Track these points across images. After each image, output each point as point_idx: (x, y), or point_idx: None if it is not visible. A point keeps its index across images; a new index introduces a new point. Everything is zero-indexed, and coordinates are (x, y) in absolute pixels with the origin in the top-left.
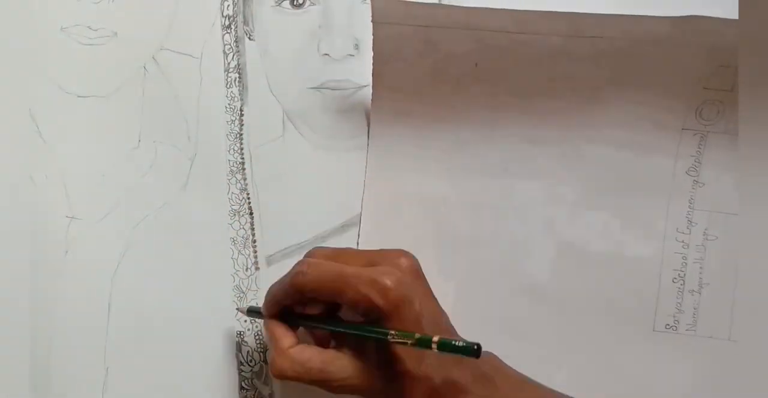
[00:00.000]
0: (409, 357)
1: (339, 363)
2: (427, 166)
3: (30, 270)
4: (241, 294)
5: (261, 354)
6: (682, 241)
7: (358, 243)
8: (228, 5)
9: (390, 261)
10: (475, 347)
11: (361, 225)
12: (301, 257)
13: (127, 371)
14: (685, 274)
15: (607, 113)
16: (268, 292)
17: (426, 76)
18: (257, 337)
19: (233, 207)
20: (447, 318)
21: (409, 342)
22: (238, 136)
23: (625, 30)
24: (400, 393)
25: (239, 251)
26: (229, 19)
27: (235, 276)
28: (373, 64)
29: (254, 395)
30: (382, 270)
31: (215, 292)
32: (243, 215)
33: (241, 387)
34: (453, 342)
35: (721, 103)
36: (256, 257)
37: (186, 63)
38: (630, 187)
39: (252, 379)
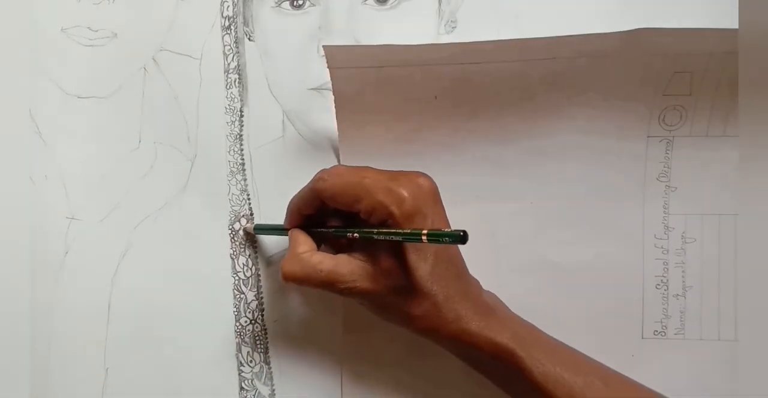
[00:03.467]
0: (416, 270)
1: (349, 267)
2: None
3: (30, 270)
4: (242, 295)
5: (261, 354)
6: (661, 247)
7: None
8: (228, 6)
9: (409, 179)
10: (462, 233)
11: None
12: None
13: (127, 372)
14: (667, 279)
15: (571, 130)
16: (290, 202)
17: (389, 113)
18: (257, 338)
19: (234, 208)
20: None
21: (401, 238)
22: (238, 136)
23: (575, 49)
24: (403, 303)
25: (239, 252)
26: (228, 20)
27: (235, 276)
28: (335, 107)
29: (254, 395)
30: (400, 182)
31: (215, 293)
32: (243, 216)
33: (241, 388)
34: (441, 232)
35: (683, 107)
36: (256, 258)
37: (186, 64)
38: (603, 199)
39: (252, 380)
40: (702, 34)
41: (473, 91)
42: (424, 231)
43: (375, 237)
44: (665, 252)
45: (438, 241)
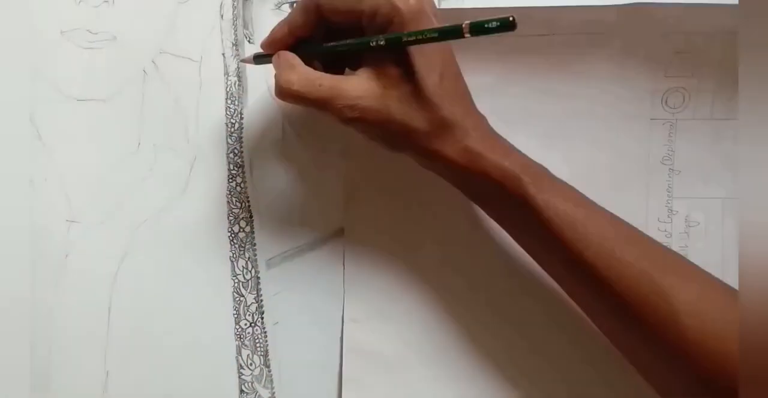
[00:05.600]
0: (426, 77)
1: (353, 81)
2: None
3: (30, 273)
4: (241, 298)
5: (261, 357)
6: (665, 231)
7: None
8: (228, 8)
9: None
10: (511, 18)
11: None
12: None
13: (127, 374)
14: None
15: (574, 112)
16: (276, 27)
17: None
18: (257, 341)
19: (233, 210)
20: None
21: (435, 35)
22: (237, 139)
23: (572, 22)
24: (410, 116)
25: (239, 254)
26: (229, 22)
27: (235, 279)
28: None
29: None
30: None
31: (215, 296)
32: (242, 218)
33: (241, 391)
34: (486, 19)
35: (685, 89)
36: (255, 260)
37: (186, 66)
38: (606, 183)
39: (252, 383)
40: (699, 11)
41: (476, 71)
42: (465, 22)
43: (404, 38)
44: (669, 235)
45: (485, 31)
